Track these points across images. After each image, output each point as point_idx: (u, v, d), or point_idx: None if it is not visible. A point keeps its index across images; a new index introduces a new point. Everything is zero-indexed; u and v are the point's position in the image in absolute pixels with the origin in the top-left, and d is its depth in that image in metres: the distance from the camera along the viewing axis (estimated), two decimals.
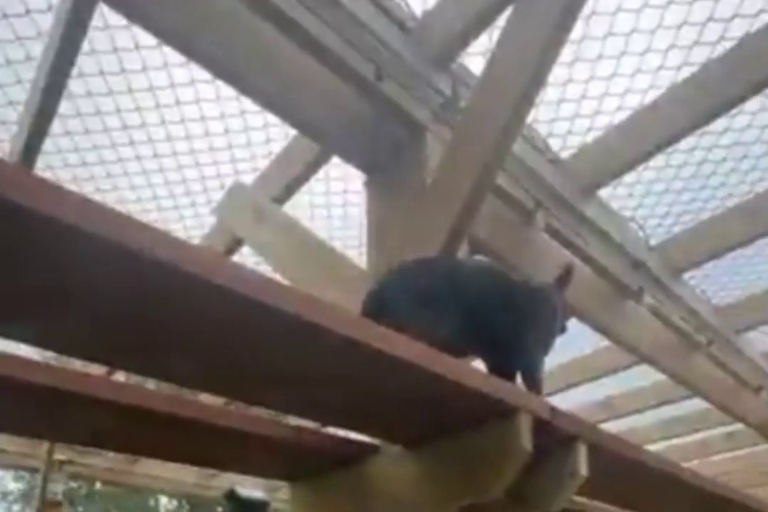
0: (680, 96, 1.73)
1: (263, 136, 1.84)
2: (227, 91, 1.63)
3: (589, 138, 1.92)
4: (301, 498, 1.17)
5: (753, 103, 1.76)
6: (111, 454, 3.69)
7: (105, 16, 1.43)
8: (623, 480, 1.24)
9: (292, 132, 1.77)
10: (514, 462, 0.85)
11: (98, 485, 8.11)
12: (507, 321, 1.04)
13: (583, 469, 0.93)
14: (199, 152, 1.90)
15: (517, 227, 1.78)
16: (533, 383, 1.03)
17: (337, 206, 2.12)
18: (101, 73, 1.61)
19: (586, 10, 1.50)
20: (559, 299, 1.15)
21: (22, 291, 0.60)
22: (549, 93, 1.76)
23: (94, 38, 1.48)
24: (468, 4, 1.46)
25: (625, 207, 2.17)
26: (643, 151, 1.85)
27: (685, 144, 1.91)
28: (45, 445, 3.33)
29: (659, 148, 1.84)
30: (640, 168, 1.98)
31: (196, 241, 2.21)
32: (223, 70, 1.37)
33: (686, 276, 2.46)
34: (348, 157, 1.60)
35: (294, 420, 1.28)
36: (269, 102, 1.46)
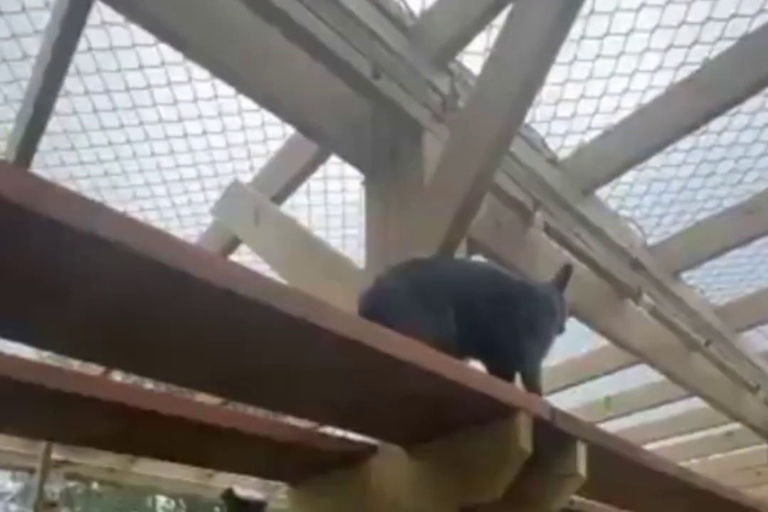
0: (679, 96, 1.73)
1: (261, 134, 1.84)
2: (225, 89, 1.63)
3: (588, 138, 1.91)
4: (299, 498, 1.17)
5: (752, 103, 1.76)
6: (108, 454, 3.68)
7: (102, 13, 1.43)
8: (622, 480, 1.23)
9: (290, 131, 1.77)
10: (513, 463, 0.85)
11: (95, 485, 8.10)
12: (505, 322, 1.04)
13: (583, 469, 0.93)
14: (197, 151, 1.90)
15: (516, 227, 1.78)
16: (533, 383, 1.03)
17: (335, 205, 2.12)
18: (98, 71, 1.60)
19: (584, 9, 1.50)
20: (558, 299, 1.15)
21: (21, 292, 0.59)
22: (547, 92, 1.75)
23: (91, 36, 1.48)
24: (466, 4, 1.45)
25: (623, 206, 2.17)
26: (641, 150, 1.85)
27: (683, 143, 1.91)
28: (42, 445, 3.32)
29: (658, 147, 1.84)
30: (639, 168, 1.98)
31: (193, 240, 2.20)
32: (221, 69, 1.37)
33: (685, 276, 2.45)
34: (346, 157, 1.60)
35: (292, 420, 1.27)
36: (267, 101, 1.46)
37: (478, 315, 1.01)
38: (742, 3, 1.58)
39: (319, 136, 1.55)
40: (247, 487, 2.73)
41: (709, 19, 1.61)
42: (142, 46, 1.55)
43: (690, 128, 1.77)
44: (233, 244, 2.12)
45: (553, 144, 1.90)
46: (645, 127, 1.81)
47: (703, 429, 3.79)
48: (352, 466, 1.07)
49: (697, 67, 1.69)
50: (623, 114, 1.84)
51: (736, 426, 3.38)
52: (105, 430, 0.90)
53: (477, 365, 1.04)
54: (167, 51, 1.51)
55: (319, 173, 1.89)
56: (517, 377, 1.05)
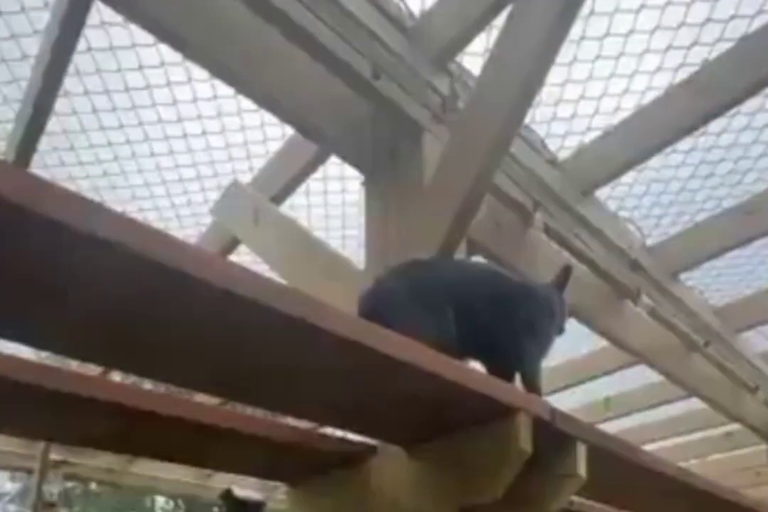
0: (678, 97, 1.73)
1: (260, 135, 1.84)
2: (224, 90, 1.63)
3: (587, 138, 1.92)
4: (298, 498, 1.17)
5: (751, 104, 1.76)
6: (107, 454, 3.68)
7: (101, 13, 1.43)
8: (622, 480, 1.23)
9: (290, 131, 1.76)
10: (513, 463, 0.85)
11: (94, 485, 8.09)
12: (505, 323, 1.04)
13: (583, 470, 0.93)
14: (196, 151, 1.89)
15: (515, 228, 1.78)
16: (533, 384, 1.03)
17: (334, 206, 2.12)
18: (97, 71, 1.60)
19: (584, 10, 1.50)
20: (557, 300, 1.15)
21: (19, 292, 0.59)
22: (547, 93, 1.75)
23: (90, 36, 1.47)
24: (466, 5, 1.45)
25: (622, 207, 2.17)
26: (641, 151, 1.85)
27: (682, 144, 1.91)
28: (40, 446, 3.32)
29: (657, 148, 1.84)
30: (638, 168, 1.98)
31: (193, 241, 2.20)
32: (220, 69, 1.37)
33: (683, 276, 2.46)
34: (346, 157, 1.60)
35: (291, 421, 1.27)
36: (267, 101, 1.46)
37: (478, 315, 1.01)
38: (741, 4, 1.58)
39: (318, 137, 1.55)
40: (245, 488, 2.72)
41: (708, 20, 1.61)
42: (141, 47, 1.54)
43: (689, 129, 1.77)
44: (232, 244, 2.11)
45: (552, 145, 1.90)
46: (644, 128, 1.81)
47: (703, 430, 3.79)
48: (351, 467, 1.07)
49: (696, 68, 1.69)
50: (623, 115, 1.84)
51: (735, 426, 3.38)
52: (104, 430, 0.90)
53: (476, 366, 1.04)
54: (167, 51, 1.51)
55: (318, 174, 1.89)
56: (517, 377, 1.05)
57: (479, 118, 1.30)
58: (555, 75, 1.68)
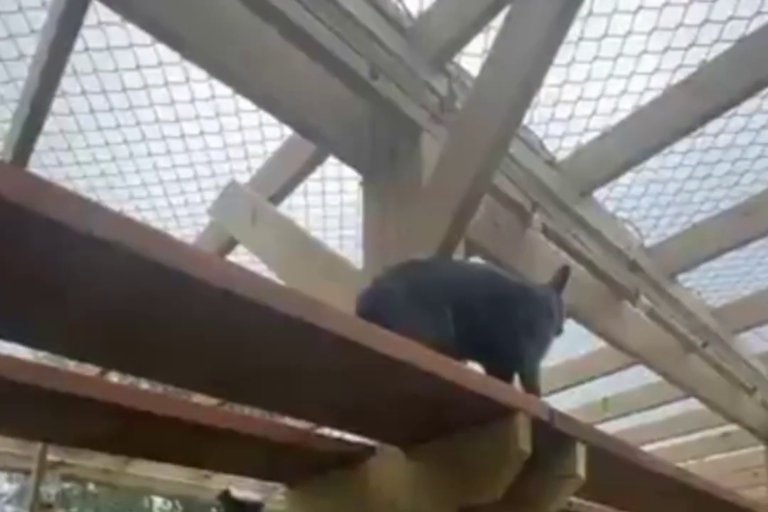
0: (676, 98, 1.73)
1: (259, 135, 1.84)
2: (222, 90, 1.62)
3: (585, 139, 1.92)
4: (296, 499, 1.17)
5: (748, 105, 1.76)
6: (104, 455, 3.67)
7: (98, 13, 1.42)
8: (621, 481, 1.23)
9: (288, 131, 1.76)
10: (512, 464, 0.85)
11: (92, 486, 8.07)
12: (504, 323, 1.04)
13: (582, 471, 0.93)
14: (194, 151, 1.89)
15: (514, 228, 1.78)
16: (531, 384, 1.03)
17: (332, 206, 2.12)
18: (95, 71, 1.60)
19: (582, 11, 1.49)
20: (556, 300, 1.15)
21: (18, 291, 0.59)
22: (545, 94, 1.75)
23: (88, 36, 1.47)
24: (464, 5, 1.45)
25: (620, 208, 2.17)
26: (639, 152, 1.85)
27: (680, 145, 1.91)
28: (38, 446, 3.31)
29: (655, 149, 1.84)
30: (636, 169, 1.98)
31: (190, 241, 2.20)
32: (219, 69, 1.37)
33: (681, 277, 2.46)
34: (344, 157, 1.59)
35: (289, 421, 1.27)
36: (265, 101, 1.45)
37: (477, 316, 1.01)
38: (739, 5, 1.58)
39: (316, 137, 1.55)
40: (243, 488, 2.72)
41: (706, 21, 1.61)
42: (139, 46, 1.54)
43: (687, 130, 1.77)
44: (230, 244, 2.11)
45: (550, 145, 1.90)
46: (642, 128, 1.81)
47: (700, 431, 3.79)
48: (350, 467, 1.07)
49: (694, 69, 1.69)
50: (621, 116, 1.84)
51: (732, 427, 3.38)
52: (101, 431, 0.90)
53: (474, 367, 1.04)
54: (164, 51, 1.50)
55: (316, 174, 1.89)
56: (516, 378, 1.05)
57: (477, 119, 1.30)
58: (553, 76, 1.68)
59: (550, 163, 1.89)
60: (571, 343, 2.82)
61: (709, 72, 1.67)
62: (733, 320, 2.72)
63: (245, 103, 1.65)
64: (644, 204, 2.18)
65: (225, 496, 2.57)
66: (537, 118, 1.83)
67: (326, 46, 1.30)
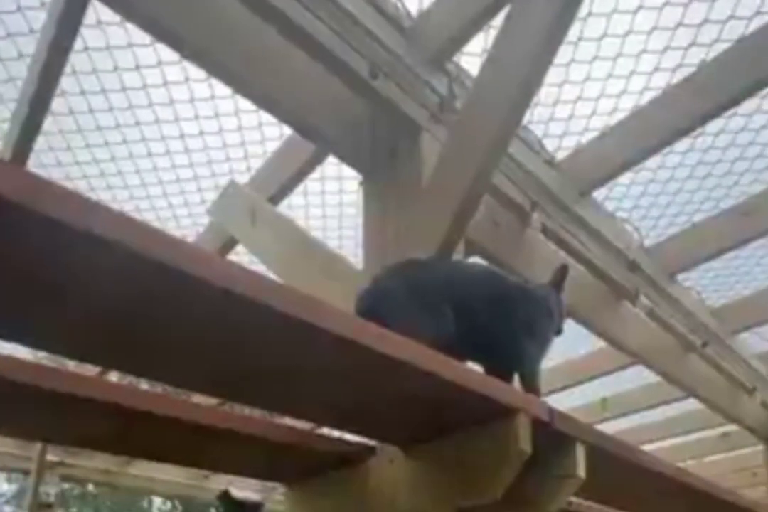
0: (676, 97, 1.73)
1: (258, 135, 1.83)
2: (222, 89, 1.62)
3: (585, 139, 1.92)
4: (296, 499, 1.17)
5: (748, 105, 1.76)
6: (104, 455, 3.67)
7: (98, 12, 1.42)
8: (620, 480, 1.23)
9: (288, 131, 1.76)
10: (512, 464, 0.85)
11: (91, 486, 8.06)
12: (504, 323, 1.04)
13: (582, 471, 0.93)
14: (193, 151, 1.89)
15: (513, 228, 1.78)
16: (531, 384, 1.03)
17: (332, 206, 2.12)
18: (94, 70, 1.60)
19: (582, 10, 1.49)
20: (555, 300, 1.15)
21: (17, 291, 0.59)
22: (545, 94, 1.75)
23: (87, 35, 1.47)
24: (464, 4, 1.45)
25: (620, 208, 2.17)
26: (638, 152, 1.85)
27: (680, 145, 1.91)
28: (37, 447, 3.31)
29: (655, 149, 1.84)
30: (636, 169, 1.98)
31: (190, 241, 2.20)
32: (218, 69, 1.36)
33: (681, 277, 2.46)
34: (344, 157, 1.59)
35: (289, 421, 1.27)
36: (265, 101, 1.45)
37: (476, 316, 1.01)
38: (738, 5, 1.58)
39: (316, 136, 1.54)
40: (243, 488, 2.72)
41: (706, 21, 1.61)
42: (138, 46, 1.54)
43: (686, 130, 1.77)
44: (230, 244, 2.11)
45: (550, 145, 1.90)
46: (642, 128, 1.81)
47: (700, 431, 3.79)
48: (350, 467, 1.07)
49: (693, 69, 1.69)
50: (620, 115, 1.84)
51: (732, 427, 3.38)
52: (101, 431, 0.90)
53: (474, 367, 1.04)
54: (164, 51, 1.50)
55: (316, 174, 1.89)
56: (515, 378, 1.05)
57: (477, 118, 1.30)
58: (553, 75, 1.67)
59: (550, 162, 1.89)
60: (570, 343, 2.82)
61: (708, 72, 1.67)
62: (733, 320, 2.72)
63: (244, 103, 1.65)
64: (644, 203, 2.18)
65: (224, 496, 2.57)
66: (536, 118, 1.83)
67: (326, 46, 1.30)
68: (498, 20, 1.40)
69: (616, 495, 1.39)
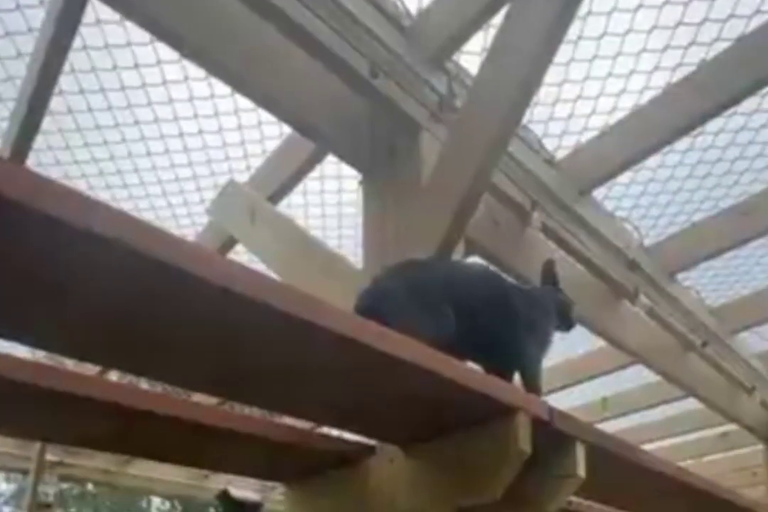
0: (676, 96, 1.73)
1: (257, 134, 1.83)
2: (221, 88, 1.62)
3: (584, 138, 1.91)
4: (296, 499, 1.16)
5: (748, 104, 1.76)
6: (103, 455, 3.66)
7: (97, 11, 1.42)
8: (620, 480, 1.23)
9: (287, 130, 1.76)
10: (512, 463, 0.84)
11: (90, 486, 8.06)
12: (502, 323, 1.04)
13: (582, 470, 0.92)
14: (193, 150, 1.89)
15: (513, 227, 1.77)
16: (533, 384, 1.03)
17: (332, 205, 2.11)
18: (93, 69, 1.59)
19: (582, 9, 1.49)
20: (553, 298, 1.15)
21: (16, 289, 0.59)
22: (544, 93, 1.75)
23: (86, 34, 1.47)
24: (463, 3, 1.45)
25: (620, 207, 2.17)
26: (638, 151, 1.85)
27: (680, 144, 1.91)
28: (36, 446, 3.30)
29: (654, 148, 1.84)
30: (635, 168, 1.98)
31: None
32: (218, 68, 1.36)
33: (681, 276, 2.46)
34: (343, 156, 1.59)
35: (288, 420, 1.27)
36: (264, 100, 1.45)
37: (476, 316, 1.00)
38: (738, 4, 1.58)
39: (316, 135, 1.54)
40: (242, 488, 2.71)
41: (706, 19, 1.61)
42: (137, 45, 1.54)
43: (686, 129, 1.77)
44: (229, 243, 2.11)
45: (550, 144, 1.90)
46: (641, 127, 1.81)
47: (699, 430, 3.79)
48: (349, 467, 1.07)
49: (693, 68, 1.69)
50: (620, 115, 1.84)
51: (731, 426, 3.38)
52: (100, 430, 0.90)
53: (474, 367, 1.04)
54: (163, 49, 1.50)
55: (316, 173, 1.88)
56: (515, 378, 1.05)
57: (477, 117, 1.30)
58: (552, 74, 1.67)
59: (550, 161, 1.89)
60: (570, 342, 2.82)
61: (708, 71, 1.67)
62: (732, 319, 2.72)
63: (244, 102, 1.64)
64: (643, 203, 2.18)
65: (223, 496, 2.57)
66: (536, 117, 1.83)
67: (325, 44, 1.29)
68: (498, 19, 1.40)
69: (616, 494, 1.39)
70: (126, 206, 2.07)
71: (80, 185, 1.96)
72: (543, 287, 1.19)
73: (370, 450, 1.07)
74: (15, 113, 1.54)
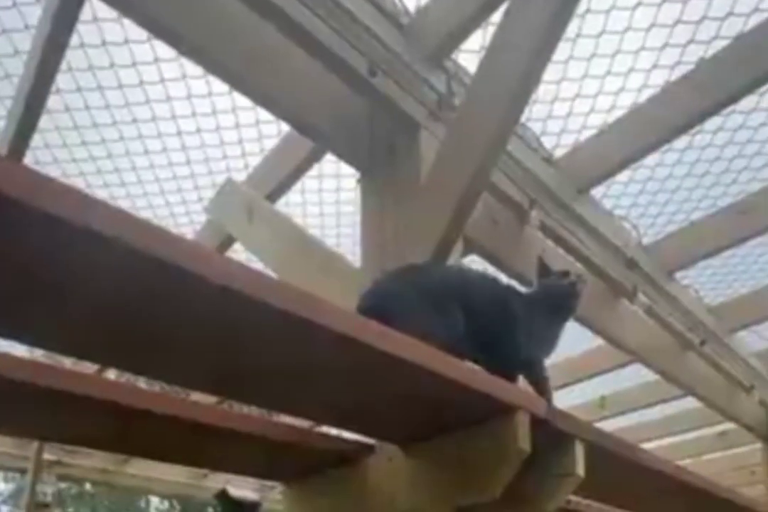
0: (674, 95, 1.73)
1: (255, 132, 1.83)
2: (219, 86, 1.61)
3: (583, 136, 1.91)
4: (294, 498, 1.16)
5: (746, 103, 1.76)
6: (101, 454, 3.66)
7: (94, 9, 1.41)
8: (620, 479, 1.23)
9: (285, 129, 1.75)
10: (511, 462, 0.84)
11: (88, 486, 8.05)
12: (508, 325, 1.03)
13: (581, 469, 0.92)
14: (191, 149, 1.88)
15: (512, 225, 1.77)
16: (541, 383, 1.03)
17: (330, 204, 2.11)
18: (90, 67, 1.59)
19: (580, 7, 1.49)
20: (555, 292, 1.15)
21: (15, 288, 0.58)
22: (543, 91, 1.75)
23: (83, 32, 1.46)
24: (462, 1, 1.45)
25: (618, 206, 2.17)
26: (636, 150, 1.85)
27: (678, 143, 1.91)
28: (34, 446, 3.30)
29: (653, 147, 1.84)
30: (634, 167, 1.98)
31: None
32: (216, 66, 1.36)
33: (679, 275, 2.46)
34: (342, 154, 1.59)
35: (287, 419, 1.26)
36: (263, 98, 1.44)
37: (480, 317, 1.00)
38: (737, 2, 1.58)
39: (314, 134, 1.54)
40: (241, 487, 2.71)
41: (704, 18, 1.61)
42: (135, 43, 1.53)
43: (685, 127, 1.77)
44: (227, 242, 2.10)
45: (548, 143, 1.90)
46: (640, 126, 1.80)
47: (698, 429, 3.80)
48: (348, 466, 1.06)
49: (692, 67, 1.69)
50: (618, 113, 1.84)
51: (730, 425, 3.39)
52: (98, 429, 0.89)
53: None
54: (160, 47, 1.49)
55: (314, 171, 1.88)
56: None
57: (476, 116, 1.29)
58: (551, 73, 1.67)
59: (548, 160, 1.88)
60: (568, 341, 2.82)
61: (707, 69, 1.66)
62: (731, 318, 2.72)
63: (242, 100, 1.64)
64: (642, 201, 2.18)
65: (222, 495, 2.57)
66: (535, 115, 1.83)
67: (324, 43, 1.29)
68: (496, 17, 1.40)
69: (615, 493, 1.39)
70: (124, 204, 2.06)
71: (78, 183, 1.96)
72: (541, 283, 1.18)
73: (369, 449, 1.06)
74: (12, 111, 1.54)
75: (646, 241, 2.30)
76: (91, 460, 3.75)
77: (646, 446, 3.64)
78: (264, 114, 1.67)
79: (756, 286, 2.69)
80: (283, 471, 1.16)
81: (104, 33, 1.50)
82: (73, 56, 1.50)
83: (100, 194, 2.00)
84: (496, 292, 1.08)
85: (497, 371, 1.00)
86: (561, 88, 1.76)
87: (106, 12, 1.40)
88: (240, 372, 0.77)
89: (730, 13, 1.60)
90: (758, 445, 3.20)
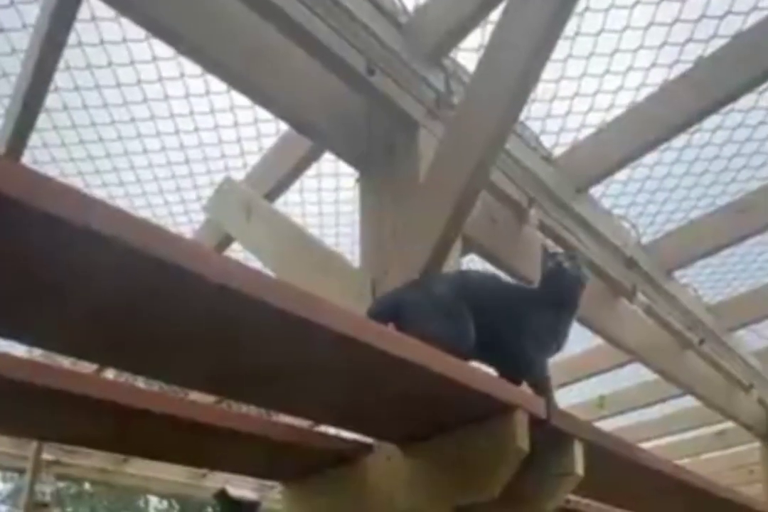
0: (673, 93, 1.73)
1: (254, 131, 1.82)
2: (217, 85, 1.61)
3: (582, 135, 1.91)
4: (293, 498, 1.16)
5: (745, 101, 1.76)
6: (100, 454, 3.66)
7: (92, 7, 1.41)
8: (618, 478, 1.23)
9: (284, 127, 1.75)
10: (510, 461, 0.84)
11: (87, 485, 8.05)
12: (512, 328, 1.03)
13: (580, 468, 0.92)
14: (189, 148, 1.88)
15: (511, 224, 1.77)
16: (542, 383, 1.02)
17: (328, 203, 2.11)
18: (88, 66, 1.58)
19: (579, 6, 1.49)
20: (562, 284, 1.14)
21: (15, 287, 0.58)
22: (542, 90, 1.75)
23: (81, 30, 1.46)
24: (461, 0, 1.44)
25: (617, 205, 2.17)
26: (635, 148, 1.85)
27: (677, 142, 1.91)
28: (33, 445, 3.29)
29: (651, 145, 1.84)
30: (632, 166, 1.98)
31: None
32: (215, 65, 1.35)
33: (678, 274, 2.46)
34: (340, 153, 1.59)
35: (286, 419, 1.26)
36: (261, 97, 1.44)
37: (488, 321, 1.00)
38: (735, 1, 1.58)
39: (313, 133, 1.54)
40: (240, 487, 2.71)
41: (703, 16, 1.60)
42: (133, 41, 1.53)
43: (683, 126, 1.77)
44: (226, 241, 2.10)
45: (547, 141, 1.90)
46: (639, 124, 1.80)
47: (697, 428, 3.80)
48: (347, 465, 1.06)
49: (690, 65, 1.69)
50: (617, 112, 1.84)
51: (729, 424, 3.39)
52: (97, 429, 0.89)
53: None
54: (159, 46, 1.49)
55: (312, 170, 1.88)
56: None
57: (474, 114, 1.29)
58: (549, 71, 1.67)
59: (547, 159, 1.88)
60: (568, 341, 2.82)
61: (706, 67, 1.66)
62: (730, 317, 2.72)
63: (240, 99, 1.64)
64: (640, 200, 2.18)
65: (221, 495, 2.57)
66: (533, 114, 1.83)
67: (323, 42, 1.29)
68: (495, 15, 1.39)
69: (614, 492, 1.39)
70: (122, 204, 2.06)
71: (76, 183, 1.95)
72: (545, 277, 1.16)
73: (368, 448, 1.06)
74: (10, 110, 1.53)
75: (644, 240, 2.30)
76: (90, 460, 3.75)
77: (645, 445, 3.65)
78: (262, 113, 1.67)
79: (755, 285, 2.69)
80: (282, 471, 1.16)
81: (102, 32, 1.50)
82: (71, 55, 1.50)
83: (99, 193, 2.00)
84: (503, 294, 1.08)
85: (506, 375, 1.00)
86: (560, 86, 1.76)
87: (104, 11, 1.39)
88: (238, 371, 0.77)
89: (729, 12, 1.60)
90: (757, 444, 3.20)
